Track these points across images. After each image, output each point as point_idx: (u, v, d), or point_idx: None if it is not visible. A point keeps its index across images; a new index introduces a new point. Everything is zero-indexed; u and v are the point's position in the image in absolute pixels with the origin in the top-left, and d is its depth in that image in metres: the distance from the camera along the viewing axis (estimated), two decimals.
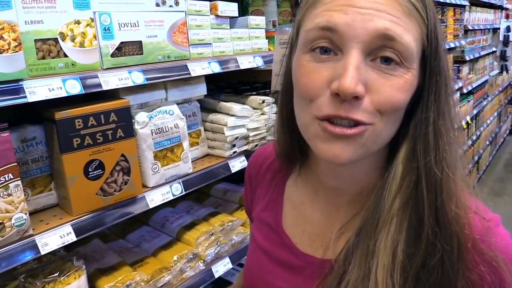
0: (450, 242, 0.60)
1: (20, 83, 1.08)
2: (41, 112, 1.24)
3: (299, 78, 0.64)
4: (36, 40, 1.13)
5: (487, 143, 5.66)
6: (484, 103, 5.33)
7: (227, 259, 1.71)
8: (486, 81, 5.45)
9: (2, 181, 1.06)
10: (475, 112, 4.79)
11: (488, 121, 5.60)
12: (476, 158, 4.97)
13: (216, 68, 1.59)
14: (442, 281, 0.60)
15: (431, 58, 0.61)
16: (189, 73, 1.49)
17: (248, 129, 1.73)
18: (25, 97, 1.08)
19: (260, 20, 1.89)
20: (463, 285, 0.60)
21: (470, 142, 4.61)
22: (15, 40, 1.05)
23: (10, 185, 1.08)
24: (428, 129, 0.61)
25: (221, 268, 1.68)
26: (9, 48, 1.04)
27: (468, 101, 4.52)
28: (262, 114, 1.79)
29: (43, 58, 1.15)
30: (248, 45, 1.82)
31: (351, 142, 0.61)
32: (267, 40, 1.94)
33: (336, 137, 0.60)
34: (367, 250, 0.63)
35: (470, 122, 4.59)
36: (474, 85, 4.68)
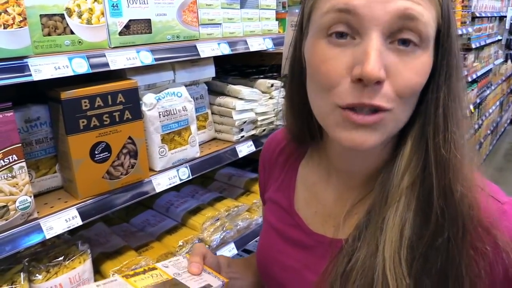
0: (456, 222, 0.60)
1: (25, 60, 1.03)
2: (46, 91, 1.19)
3: (317, 66, 0.61)
4: (41, 16, 1.08)
5: (488, 132, 5.64)
6: (487, 92, 5.29)
7: (232, 245, 1.69)
8: (490, 70, 5.41)
9: (6, 163, 1.02)
10: (478, 101, 4.75)
11: (490, 110, 5.57)
12: (476, 147, 4.96)
13: (225, 50, 1.54)
14: (448, 261, 0.60)
15: (444, 38, 0.60)
16: (198, 54, 1.44)
17: (256, 113, 1.69)
18: (30, 75, 1.02)
19: (270, 0, 1.83)
20: (466, 264, 0.60)
21: (472, 131, 4.59)
22: (20, 14, 0.99)
23: (14, 166, 1.04)
24: (438, 111, 0.61)
25: (226, 253, 1.66)
26: (13, 23, 0.98)
27: (472, 89, 4.48)
28: (270, 98, 1.75)
29: (49, 34, 1.10)
30: (258, 26, 1.77)
31: (373, 130, 0.60)
32: (277, 21, 1.88)
33: (358, 126, 0.59)
34: (375, 227, 0.63)
35: (473, 111, 4.56)
36: (479, 73, 4.64)
